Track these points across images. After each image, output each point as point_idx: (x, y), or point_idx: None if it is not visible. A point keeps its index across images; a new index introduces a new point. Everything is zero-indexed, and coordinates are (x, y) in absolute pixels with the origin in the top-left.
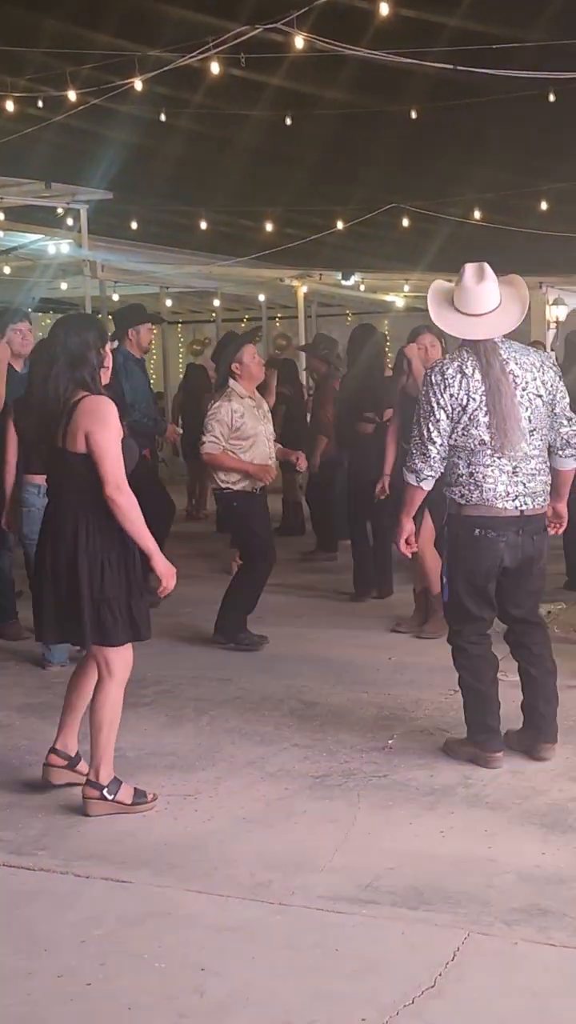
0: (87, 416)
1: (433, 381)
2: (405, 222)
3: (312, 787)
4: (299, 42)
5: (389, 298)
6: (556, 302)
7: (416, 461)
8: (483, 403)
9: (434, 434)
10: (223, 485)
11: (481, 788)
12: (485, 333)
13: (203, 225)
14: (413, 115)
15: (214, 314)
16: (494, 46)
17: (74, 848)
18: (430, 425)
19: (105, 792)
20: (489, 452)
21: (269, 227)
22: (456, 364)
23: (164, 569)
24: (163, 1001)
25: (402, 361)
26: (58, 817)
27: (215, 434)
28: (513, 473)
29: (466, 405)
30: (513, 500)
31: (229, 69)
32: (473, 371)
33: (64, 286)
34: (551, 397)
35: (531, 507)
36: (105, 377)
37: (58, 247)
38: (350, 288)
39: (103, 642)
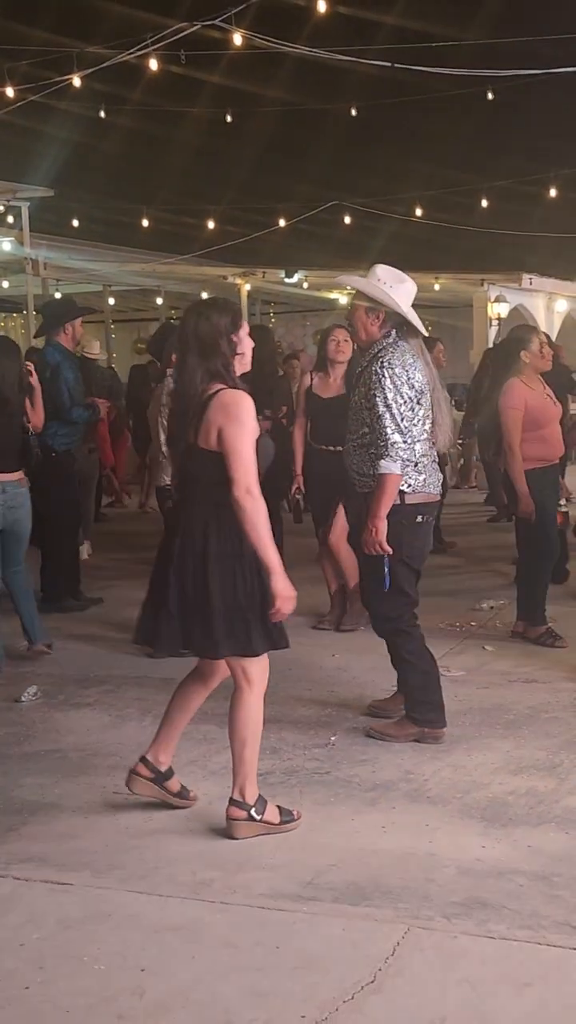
0: (221, 411)
1: (397, 371)
2: (347, 220)
3: None
4: (238, 39)
5: (333, 296)
6: (498, 299)
7: (398, 450)
8: (427, 393)
9: (403, 421)
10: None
11: (422, 783)
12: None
13: (145, 223)
14: (353, 113)
15: (158, 312)
16: (433, 44)
17: (14, 851)
18: (401, 411)
19: (253, 812)
20: (429, 441)
21: (211, 225)
22: (410, 354)
23: (282, 590)
24: (102, 1003)
25: (325, 362)
26: None
27: None
28: (434, 459)
29: (422, 394)
30: (437, 485)
31: (169, 66)
32: (416, 361)
33: (6, 284)
34: None
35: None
36: (241, 366)
37: None
38: (293, 286)
39: (240, 653)
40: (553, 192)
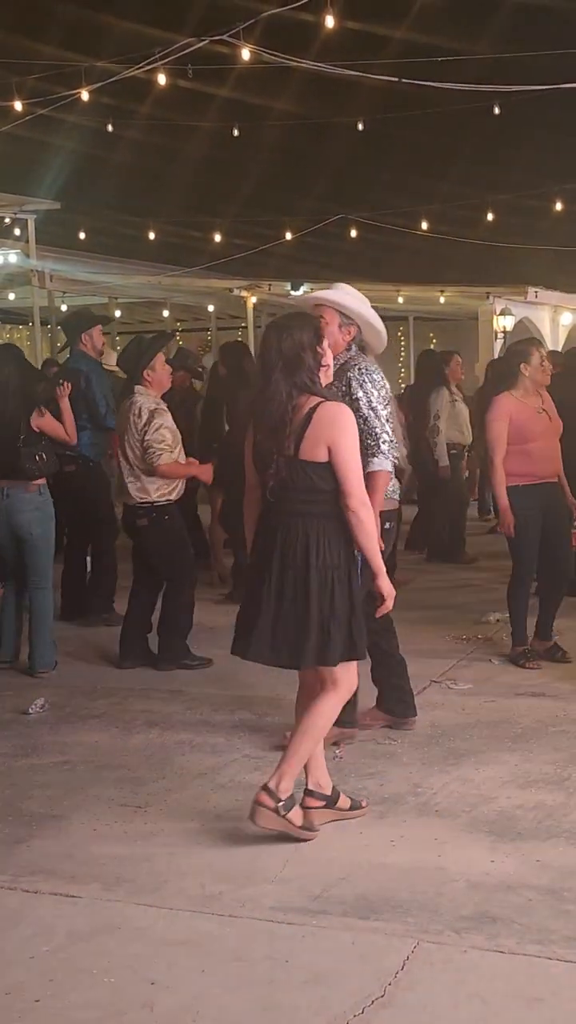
0: (329, 425)
1: (375, 378)
2: (353, 233)
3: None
4: (246, 54)
5: None
6: (503, 312)
7: (391, 448)
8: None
9: (387, 426)
10: (158, 497)
11: (431, 796)
12: None
13: (151, 235)
14: (360, 127)
15: (164, 324)
16: (440, 59)
17: (22, 863)
18: (383, 416)
19: (281, 807)
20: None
21: (218, 238)
22: (375, 367)
23: (389, 590)
24: (112, 1016)
25: None
26: (5, 832)
27: (169, 442)
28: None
29: (387, 405)
30: (397, 492)
31: (176, 80)
32: (380, 374)
33: (12, 296)
34: None
35: None
36: (326, 377)
37: (5, 257)
38: (299, 299)
39: (326, 662)
40: (558, 206)
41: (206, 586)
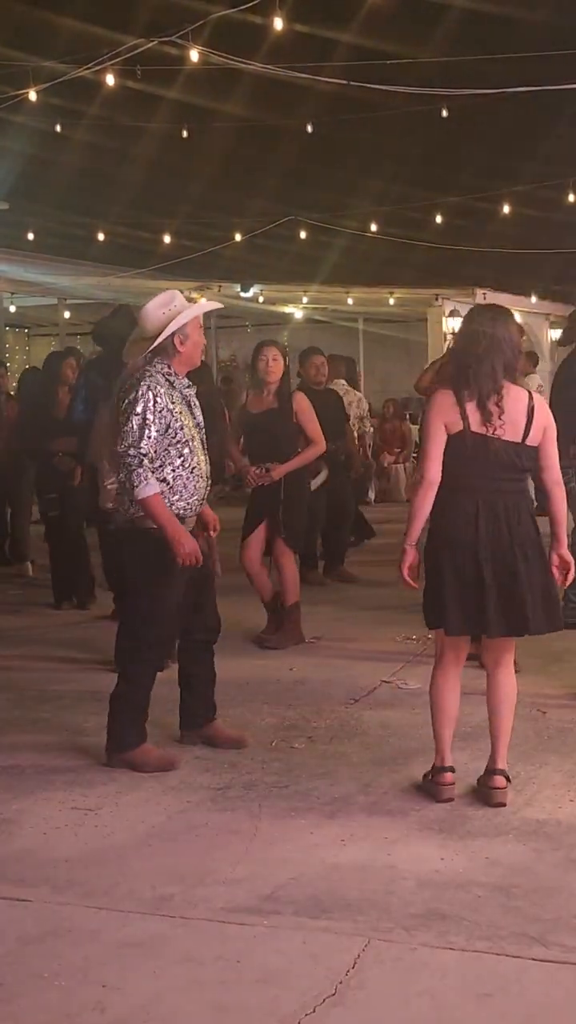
0: (543, 413)
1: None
2: (303, 234)
3: (213, 799)
4: (194, 55)
5: (288, 310)
6: (452, 314)
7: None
8: None
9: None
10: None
11: (381, 796)
12: None
13: (101, 236)
14: (309, 129)
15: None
16: (388, 61)
17: None
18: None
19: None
20: None
21: (167, 239)
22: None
23: (570, 558)
24: (63, 1019)
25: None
26: None
27: None
28: None
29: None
30: None
31: (125, 81)
32: None
33: None
34: None
35: None
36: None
37: None
38: (249, 300)
39: (553, 628)
40: (506, 209)
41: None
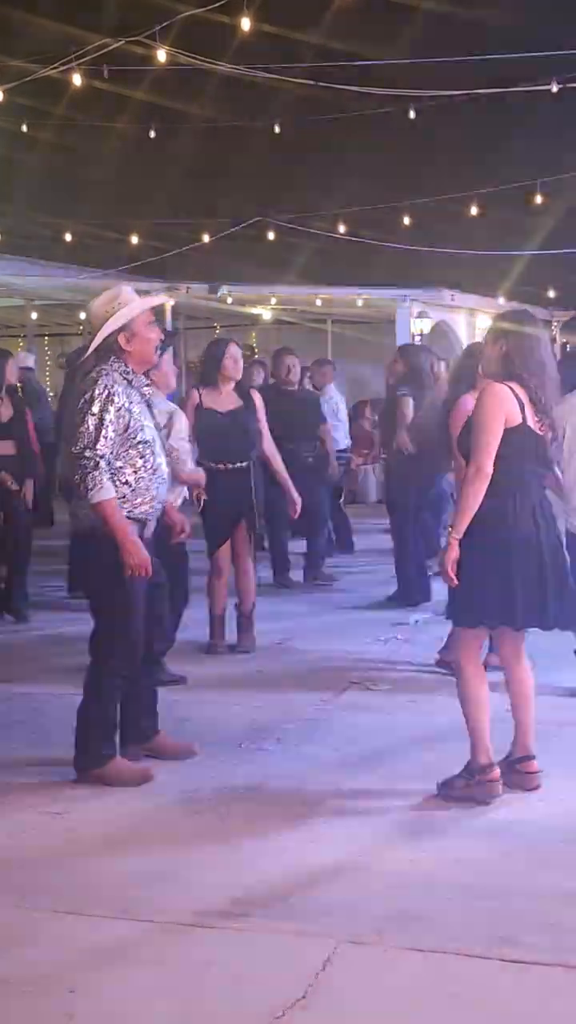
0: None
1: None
2: (271, 235)
3: (183, 802)
4: (162, 56)
5: (256, 311)
6: (420, 315)
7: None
8: None
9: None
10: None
11: (350, 797)
12: None
13: (68, 237)
14: (277, 130)
15: (81, 327)
16: (356, 63)
17: None
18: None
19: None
20: None
21: (135, 240)
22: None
23: None
24: None
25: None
26: None
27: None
28: None
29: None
30: None
31: (92, 81)
32: None
33: None
34: None
35: None
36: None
37: None
38: (217, 301)
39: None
40: (474, 210)
41: None
